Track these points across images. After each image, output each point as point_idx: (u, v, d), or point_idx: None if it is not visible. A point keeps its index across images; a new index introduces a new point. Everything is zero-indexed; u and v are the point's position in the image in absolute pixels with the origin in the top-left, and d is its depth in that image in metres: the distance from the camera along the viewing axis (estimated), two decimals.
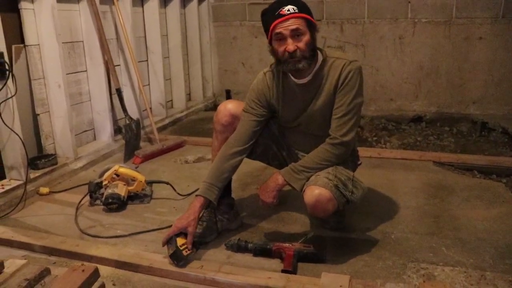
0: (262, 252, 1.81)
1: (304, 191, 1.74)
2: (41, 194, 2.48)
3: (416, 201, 2.32)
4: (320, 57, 1.82)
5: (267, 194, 1.80)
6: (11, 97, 2.30)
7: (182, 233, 1.75)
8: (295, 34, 1.69)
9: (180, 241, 1.73)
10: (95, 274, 1.46)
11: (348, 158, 1.90)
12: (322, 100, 1.82)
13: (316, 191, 1.68)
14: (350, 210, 2.05)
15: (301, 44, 1.70)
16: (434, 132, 3.64)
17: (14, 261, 1.74)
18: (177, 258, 1.70)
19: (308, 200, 1.70)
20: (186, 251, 1.72)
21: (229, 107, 1.96)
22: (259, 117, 1.90)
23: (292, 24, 1.68)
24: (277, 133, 2.02)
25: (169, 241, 1.74)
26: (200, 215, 1.84)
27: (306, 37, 1.71)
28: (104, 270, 1.72)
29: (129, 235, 2.03)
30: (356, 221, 2.10)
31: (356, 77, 1.78)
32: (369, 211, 2.20)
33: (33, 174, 2.53)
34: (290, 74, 1.83)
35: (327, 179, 1.71)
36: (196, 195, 1.83)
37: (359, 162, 2.08)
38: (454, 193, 2.41)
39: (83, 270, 1.43)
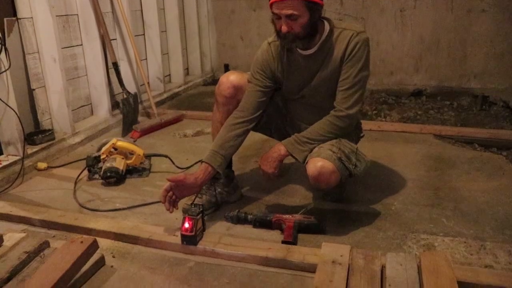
0: (262, 223, 1.80)
1: (307, 162, 1.72)
2: (39, 169, 2.47)
3: (416, 173, 2.31)
4: (326, 28, 1.77)
5: (268, 165, 1.78)
6: (5, 71, 2.26)
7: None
8: (290, 18, 1.64)
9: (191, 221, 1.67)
10: (94, 245, 1.45)
11: (351, 131, 1.88)
12: (328, 72, 1.79)
13: (319, 163, 1.66)
14: (350, 182, 2.04)
15: (296, 26, 1.66)
16: (435, 106, 3.60)
17: (13, 234, 1.74)
18: (192, 242, 1.66)
19: (311, 172, 1.68)
20: (200, 235, 1.70)
21: (231, 78, 1.92)
22: (264, 88, 1.86)
23: (287, 7, 1.62)
24: (281, 104, 1.99)
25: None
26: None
27: (302, 20, 1.65)
28: (103, 242, 1.72)
29: (128, 208, 2.02)
30: (356, 193, 2.09)
31: (364, 49, 1.75)
32: (370, 183, 2.19)
33: (30, 150, 2.51)
34: None
35: (331, 151, 1.68)
36: (201, 161, 1.81)
37: (361, 135, 2.07)
38: (454, 165, 2.40)
39: (81, 242, 1.42)
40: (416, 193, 2.10)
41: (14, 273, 1.49)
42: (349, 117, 1.76)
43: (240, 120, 1.83)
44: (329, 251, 1.52)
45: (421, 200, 2.03)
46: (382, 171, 2.35)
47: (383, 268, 1.45)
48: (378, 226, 1.83)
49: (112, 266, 1.61)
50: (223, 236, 1.72)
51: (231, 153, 1.85)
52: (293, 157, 1.76)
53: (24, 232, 1.78)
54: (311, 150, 1.74)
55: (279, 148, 1.78)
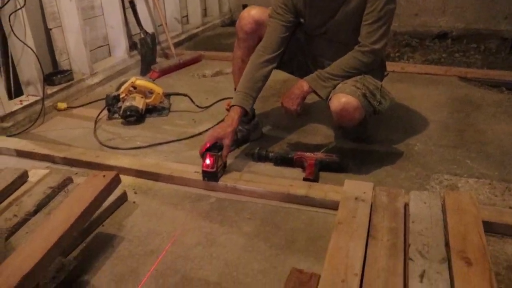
0: (283, 161, 1.79)
1: (330, 99, 1.68)
2: (59, 110, 2.48)
3: (440, 115, 2.25)
4: None
5: (291, 102, 1.74)
6: (20, 8, 2.22)
7: (216, 147, 1.67)
8: None
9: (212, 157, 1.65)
10: (116, 180, 1.45)
11: (375, 68, 1.82)
12: (352, 5, 1.71)
13: (343, 99, 1.62)
14: (372, 122, 2.00)
15: None
16: (460, 49, 3.47)
17: (38, 171, 1.77)
18: (213, 178, 1.66)
19: (335, 108, 1.64)
20: (222, 171, 1.69)
21: (252, 13, 1.85)
22: (287, 23, 1.79)
23: None
24: (303, 41, 1.92)
25: (205, 156, 1.65)
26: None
27: None
28: (125, 179, 1.72)
29: (149, 146, 2.03)
30: (378, 133, 2.06)
31: None
32: (392, 124, 2.15)
33: (49, 90, 2.51)
34: None
35: (355, 87, 1.64)
36: (232, 106, 1.75)
37: (386, 73, 2.00)
38: (480, 108, 2.33)
39: (104, 176, 1.43)
40: (440, 135, 2.05)
41: (40, 206, 1.53)
42: (374, 52, 1.69)
43: (266, 58, 1.78)
44: (352, 188, 1.51)
45: (445, 142, 1.99)
46: (405, 113, 2.30)
47: (406, 206, 1.43)
48: (400, 166, 1.81)
49: (134, 202, 1.63)
50: (244, 173, 1.72)
51: (259, 94, 1.81)
52: (316, 93, 1.72)
53: (48, 169, 1.80)
54: (335, 87, 1.69)
55: (302, 84, 1.73)
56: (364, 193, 1.47)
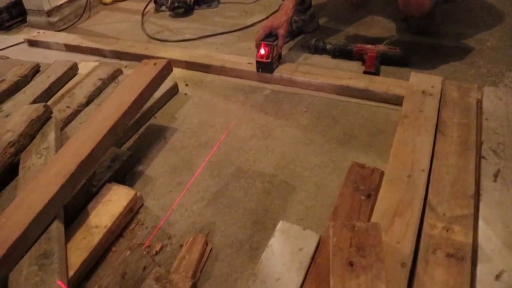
0: (342, 53, 1.67)
1: None
2: (105, 4, 2.43)
3: None
4: None
5: None
6: None
7: (270, 38, 1.57)
8: None
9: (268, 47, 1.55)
10: (168, 67, 1.39)
11: None
12: None
13: None
14: (439, 14, 1.81)
15: None
16: None
17: (87, 63, 1.76)
18: (268, 69, 1.57)
19: None
20: (277, 63, 1.60)
21: None
22: None
23: None
24: None
25: (259, 46, 1.56)
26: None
27: None
28: (175, 71, 1.67)
29: (199, 38, 1.95)
30: (446, 27, 1.86)
31: None
32: (461, 17, 1.93)
33: None
34: None
35: None
36: None
37: None
38: None
39: (155, 64, 1.37)
40: None
41: (91, 98, 1.52)
42: None
43: None
44: (419, 82, 1.38)
45: None
46: (477, 4, 2.06)
47: (478, 103, 1.31)
48: (470, 62, 1.64)
49: (185, 94, 1.59)
50: (300, 65, 1.62)
51: None
52: None
53: (97, 62, 1.77)
54: None
55: None
56: (432, 87, 1.35)
